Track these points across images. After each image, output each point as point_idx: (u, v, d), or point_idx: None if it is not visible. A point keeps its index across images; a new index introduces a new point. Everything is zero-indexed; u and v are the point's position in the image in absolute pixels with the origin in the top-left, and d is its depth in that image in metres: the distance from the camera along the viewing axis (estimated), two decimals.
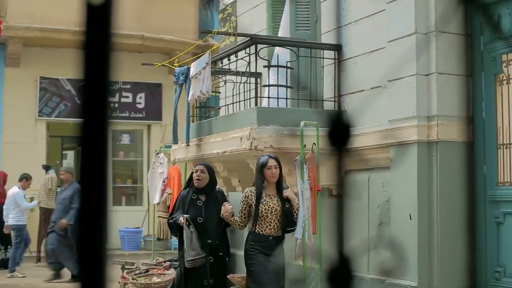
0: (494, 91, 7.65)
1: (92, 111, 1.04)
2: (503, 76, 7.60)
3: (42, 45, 17.20)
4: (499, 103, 7.62)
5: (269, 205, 7.32)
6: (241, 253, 10.40)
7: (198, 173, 7.54)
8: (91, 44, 1.04)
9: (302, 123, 8.02)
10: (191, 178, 7.74)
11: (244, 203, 7.44)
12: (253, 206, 7.34)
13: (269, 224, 7.32)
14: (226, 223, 7.56)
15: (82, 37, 1.04)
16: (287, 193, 7.36)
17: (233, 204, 8.18)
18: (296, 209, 7.35)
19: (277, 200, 7.37)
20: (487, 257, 7.61)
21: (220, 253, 7.37)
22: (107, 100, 1.04)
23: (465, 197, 7.37)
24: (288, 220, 7.33)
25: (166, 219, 12.68)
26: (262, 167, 7.39)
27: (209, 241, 7.32)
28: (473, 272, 7.65)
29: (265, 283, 7.35)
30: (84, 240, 1.02)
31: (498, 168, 7.61)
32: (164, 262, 10.96)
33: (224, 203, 7.48)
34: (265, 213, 7.29)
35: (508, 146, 7.51)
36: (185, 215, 7.37)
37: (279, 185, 7.44)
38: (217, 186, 8.00)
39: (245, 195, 7.48)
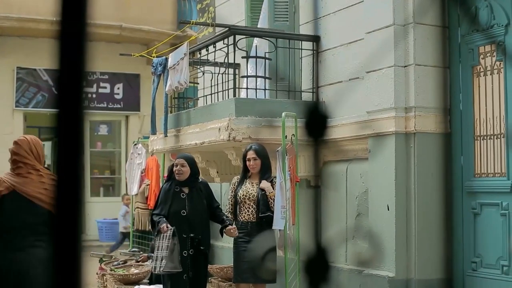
0: (471, 83, 7.69)
1: (68, 102, 1.03)
2: (480, 68, 7.64)
3: (19, 35, 17.09)
4: (476, 95, 7.66)
5: (248, 191, 7.42)
6: (219, 244, 10.44)
7: (178, 167, 7.45)
8: (67, 34, 1.03)
9: (283, 114, 8.02)
10: (171, 171, 7.66)
11: (232, 191, 7.60)
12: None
13: (247, 210, 7.42)
14: (212, 214, 7.54)
15: (57, 27, 1.03)
16: (262, 183, 7.40)
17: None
18: (270, 198, 7.36)
19: (257, 187, 7.44)
20: (464, 247, 7.66)
21: (202, 247, 7.34)
22: (83, 90, 1.04)
23: (443, 188, 7.41)
24: (260, 206, 7.37)
25: (144, 210, 12.74)
26: (243, 157, 7.53)
27: (192, 234, 7.28)
28: (450, 262, 7.70)
29: (242, 272, 7.41)
30: (59, 232, 1.02)
31: (475, 160, 7.65)
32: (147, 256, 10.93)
33: (230, 227, 7.38)
34: (242, 198, 7.42)
35: (485, 137, 7.55)
36: (170, 226, 7.23)
37: (262, 175, 7.49)
38: (200, 177, 7.93)
39: (232, 183, 7.69)
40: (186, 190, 7.43)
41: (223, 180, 10.12)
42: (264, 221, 7.39)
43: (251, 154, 7.49)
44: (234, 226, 7.34)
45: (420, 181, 7.62)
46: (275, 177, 7.60)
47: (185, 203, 7.36)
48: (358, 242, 8.47)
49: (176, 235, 7.15)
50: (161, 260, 7.18)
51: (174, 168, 7.50)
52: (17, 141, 5.37)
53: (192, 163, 7.57)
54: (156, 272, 7.39)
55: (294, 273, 8.00)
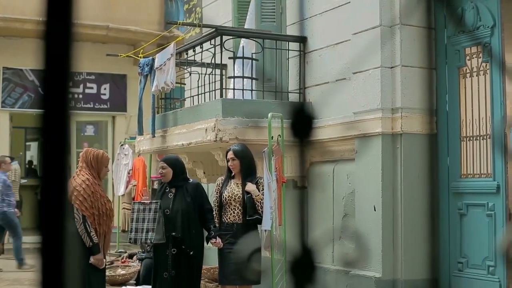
0: (458, 84, 7.72)
1: (54, 102, 1.03)
2: (466, 69, 7.67)
3: (5, 35, 17.00)
4: (462, 96, 7.69)
5: (233, 192, 7.40)
6: (206, 245, 10.43)
7: (160, 170, 7.57)
8: (52, 34, 1.03)
9: (269, 114, 8.03)
10: None
11: (217, 192, 7.56)
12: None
13: (233, 212, 7.38)
14: (201, 216, 7.52)
15: (43, 27, 1.03)
16: (247, 186, 7.38)
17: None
18: (257, 201, 7.35)
19: (242, 188, 7.43)
20: (450, 248, 7.68)
21: (183, 246, 7.34)
22: (69, 91, 1.03)
23: (429, 189, 7.43)
24: (247, 209, 7.36)
25: (130, 211, 12.71)
26: (226, 158, 7.53)
27: (173, 233, 7.31)
28: (436, 263, 7.72)
29: (228, 274, 7.40)
30: (44, 233, 1.02)
31: (461, 160, 7.68)
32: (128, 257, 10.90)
33: (212, 240, 7.38)
34: (228, 199, 7.39)
35: (471, 138, 7.58)
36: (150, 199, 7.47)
37: (244, 175, 7.47)
38: (192, 179, 7.92)
39: (216, 184, 7.63)
40: (173, 190, 7.49)
41: (210, 180, 10.11)
42: (250, 223, 7.39)
43: (230, 155, 7.50)
44: (217, 240, 7.34)
45: (406, 181, 7.64)
46: (260, 177, 7.60)
47: (169, 203, 7.42)
48: (345, 242, 8.48)
49: (161, 208, 7.27)
50: (146, 232, 7.27)
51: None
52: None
53: (173, 163, 7.58)
54: (137, 244, 7.49)
55: (280, 273, 8.00)
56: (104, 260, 6.97)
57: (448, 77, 7.77)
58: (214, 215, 7.54)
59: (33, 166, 19.88)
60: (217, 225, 7.47)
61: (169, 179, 7.49)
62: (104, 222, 6.79)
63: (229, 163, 7.50)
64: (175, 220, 7.36)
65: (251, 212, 7.34)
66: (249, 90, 9.04)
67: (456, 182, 7.69)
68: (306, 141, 1.25)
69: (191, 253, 7.38)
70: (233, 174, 7.56)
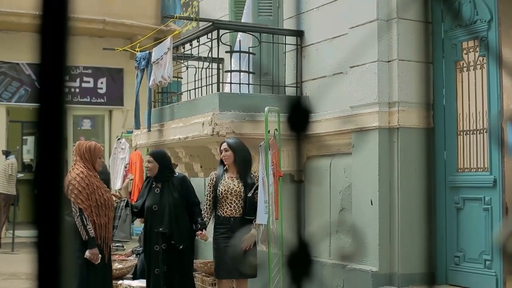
0: (455, 78, 7.72)
1: (50, 96, 1.03)
2: (463, 63, 7.67)
3: (2, 28, 16.98)
4: (459, 90, 7.69)
5: (229, 186, 7.39)
6: None
7: (146, 163, 7.63)
8: (49, 28, 1.03)
9: (266, 108, 8.02)
10: None
11: (210, 187, 7.54)
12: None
13: (229, 205, 7.38)
14: (189, 213, 7.52)
15: (40, 21, 1.03)
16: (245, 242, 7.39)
17: (195, 188, 8.15)
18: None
19: (237, 181, 7.42)
20: (447, 242, 7.69)
21: (172, 242, 7.36)
22: (65, 85, 1.03)
23: (426, 183, 7.42)
24: (247, 209, 7.37)
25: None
26: (220, 152, 7.52)
27: (161, 229, 7.33)
28: (433, 257, 7.72)
29: (226, 267, 7.41)
30: (40, 225, 1.02)
31: (458, 155, 7.68)
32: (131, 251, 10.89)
33: (198, 233, 7.41)
34: (224, 194, 7.37)
35: (468, 132, 7.59)
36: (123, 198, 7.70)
37: (239, 167, 7.48)
38: (178, 172, 7.95)
39: (210, 178, 7.62)
40: (160, 185, 7.52)
41: (206, 174, 10.09)
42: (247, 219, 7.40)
43: (223, 146, 7.51)
44: (203, 232, 7.37)
45: (403, 176, 7.65)
46: (256, 171, 7.61)
47: (157, 198, 7.45)
48: (342, 236, 8.49)
49: (129, 206, 7.39)
50: (114, 229, 7.42)
51: None
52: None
53: (159, 158, 7.61)
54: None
55: (277, 268, 8.01)
56: (109, 250, 7.03)
57: (445, 71, 7.78)
58: (204, 209, 7.53)
59: (23, 160, 19.75)
60: (205, 219, 7.47)
61: (154, 173, 7.55)
62: (103, 213, 6.85)
63: (222, 154, 7.50)
64: (162, 216, 7.39)
65: (251, 213, 7.37)
66: (246, 84, 9.03)
67: (452, 176, 7.70)
68: (303, 135, 1.25)
69: (181, 247, 7.39)
70: (225, 167, 7.55)
